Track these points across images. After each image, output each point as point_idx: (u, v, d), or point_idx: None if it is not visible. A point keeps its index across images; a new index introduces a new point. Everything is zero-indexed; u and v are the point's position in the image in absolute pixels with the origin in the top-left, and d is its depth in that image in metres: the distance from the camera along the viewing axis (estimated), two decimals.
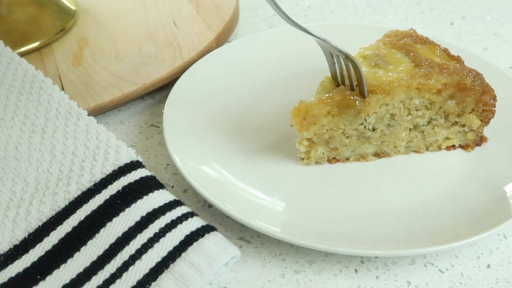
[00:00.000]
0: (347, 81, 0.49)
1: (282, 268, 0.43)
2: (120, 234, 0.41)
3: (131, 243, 0.40)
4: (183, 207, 0.43)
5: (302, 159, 0.50)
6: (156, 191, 0.43)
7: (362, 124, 0.49)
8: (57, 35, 0.64)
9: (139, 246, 0.40)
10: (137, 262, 0.39)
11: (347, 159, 0.51)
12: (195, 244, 0.40)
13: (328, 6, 0.79)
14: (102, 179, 0.44)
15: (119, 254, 0.40)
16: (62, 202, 0.43)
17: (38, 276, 0.39)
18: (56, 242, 0.41)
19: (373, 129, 0.50)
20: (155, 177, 0.45)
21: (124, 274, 0.39)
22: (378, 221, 0.45)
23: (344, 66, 0.48)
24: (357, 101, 0.48)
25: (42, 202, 0.42)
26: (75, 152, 0.46)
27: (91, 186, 0.43)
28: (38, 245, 0.40)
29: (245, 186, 0.47)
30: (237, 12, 0.71)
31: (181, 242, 0.40)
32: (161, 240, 0.40)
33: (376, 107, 0.48)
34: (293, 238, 0.42)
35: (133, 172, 0.44)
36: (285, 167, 0.50)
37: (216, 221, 0.46)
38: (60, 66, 0.59)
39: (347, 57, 0.47)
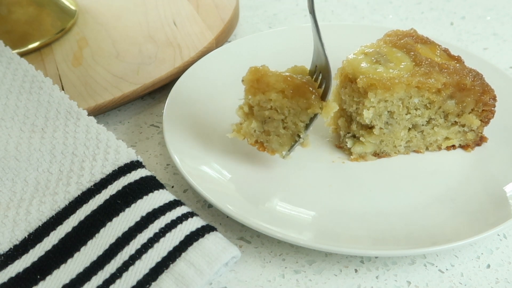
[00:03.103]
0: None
1: (282, 268, 0.43)
2: (120, 234, 0.41)
3: (131, 243, 0.40)
4: (183, 207, 0.43)
5: (233, 130, 0.48)
6: (156, 191, 0.43)
7: (304, 122, 0.47)
8: (57, 35, 0.64)
9: (139, 246, 0.40)
10: (137, 262, 0.39)
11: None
12: (195, 244, 0.40)
13: (328, 6, 0.79)
14: (102, 179, 0.44)
15: (119, 254, 0.40)
16: (62, 202, 0.43)
17: (38, 276, 0.39)
18: (56, 242, 0.41)
19: (372, 128, 0.49)
20: (155, 177, 0.45)
21: (124, 274, 0.39)
22: (378, 221, 0.45)
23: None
24: (313, 95, 0.46)
25: (42, 202, 0.42)
26: (75, 152, 0.46)
27: (91, 186, 0.43)
28: (38, 245, 0.40)
29: (245, 186, 0.47)
30: (237, 12, 0.71)
31: (181, 242, 0.40)
32: (161, 240, 0.40)
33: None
34: (293, 238, 0.42)
35: (133, 172, 0.44)
36: (285, 167, 0.50)
37: (216, 221, 0.46)
38: (60, 66, 0.59)
39: (326, 64, 0.47)
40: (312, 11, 0.46)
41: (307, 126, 0.48)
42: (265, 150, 0.48)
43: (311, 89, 0.46)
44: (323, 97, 0.47)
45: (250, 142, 0.48)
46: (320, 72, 0.48)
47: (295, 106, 0.46)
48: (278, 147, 0.48)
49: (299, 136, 0.48)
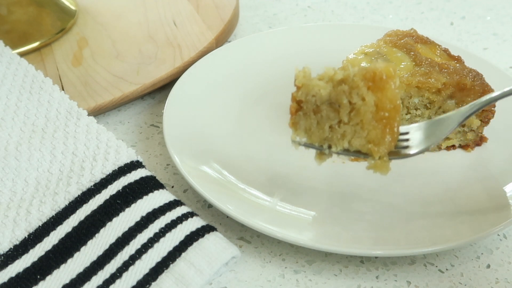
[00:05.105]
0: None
1: (282, 268, 0.43)
2: (120, 234, 0.41)
3: (131, 243, 0.40)
4: (183, 207, 0.43)
5: (304, 73, 0.41)
6: (156, 191, 0.43)
7: (350, 146, 0.40)
8: (57, 35, 0.64)
9: (139, 246, 0.40)
10: (137, 262, 0.39)
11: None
12: (195, 244, 0.40)
13: (328, 6, 0.79)
14: (102, 179, 0.44)
15: (119, 254, 0.40)
16: (62, 202, 0.43)
17: (38, 276, 0.39)
18: (56, 242, 0.41)
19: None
20: (155, 177, 0.45)
21: (124, 274, 0.39)
22: (378, 221, 0.45)
23: None
24: (389, 140, 0.39)
25: (42, 202, 0.42)
26: (75, 152, 0.46)
27: (91, 186, 0.43)
28: (38, 245, 0.41)
29: (245, 186, 0.47)
30: (237, 12, 0.71)
31: (181, 242, 0.40)
32: (161, 240, 0.40)
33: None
34: (293, 238, 0.42)
35: (133, 172, 0.44)
36: (285, 167, 0.50)
37: (216, 221, 0.46)
38: (60, 66, 0.59)
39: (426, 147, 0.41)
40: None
41: (346, 151, 0.41)
42: (293, 115, 0.41)
43: (395, 136, 0.39)
44: (390, 154, 0.40)
45: (295, 94, 0.41)
46: (408, 140, 0.41)
47: (367, 128, 0.39)
48: (301, 130, 0.41)
49: (329, 148, 0.41)
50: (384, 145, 0.39)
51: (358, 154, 0.40)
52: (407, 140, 0.42)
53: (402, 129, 0.42)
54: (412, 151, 0.41)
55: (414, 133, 0.42)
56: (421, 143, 0.42)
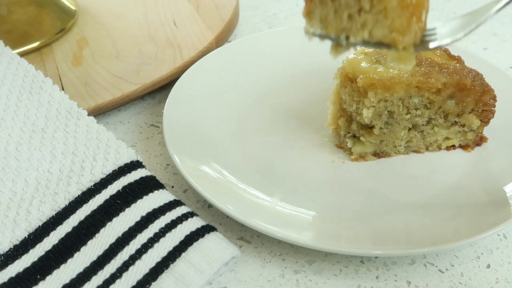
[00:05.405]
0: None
1: (282, 268, 0.43)
2: (120, 234, 0.41)
3: (131, 243, 0.40)
4: (183, 207, 0.43)
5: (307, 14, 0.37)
6: (156, 191, 0.43)
7: (371, 37, 0.36)
8: (57, 35, 0.64)
9: (139, 246, 0.40)
10: (137, 262, 0.39)
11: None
12: (195, 244, 0.40)
13: None
14: (102, 179, 0.44)
15: (119, 254, 0.40)
16: (62, 202, 0.43)
17: (38, 276, 0.39)
18: (56, 242, 0.41)
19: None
20: (155, 177, 0.45)
21: (124, 274, 0.39)
22: (378, 221, 0.45)
23: None
24: (415, 29, 0.35)
25: (42, 202, 0.42)
26: (75, 152, 0.46)
27: (91, 186, 0.43)
28: (38, 245, 0.40)
29: (245, 186, 0.47)
30: (237, 12, 0.71)
31: (181, 242, 0.40)
32: (161, 240, 0.40)
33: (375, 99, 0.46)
34: (293, 238, 0.42)
35: (133, 172, 0.44)
36: (285, 167, 0.50)
37: (216, 221, 0.46)
38: (60, 66, 0.59)
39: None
40: None
41: (365, 43, 0.36)
42: (308, 3, 0.37)
43: (422, 26, 0.35)
44: (416, 46, 0.36)
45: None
46: (435, 34, 0.37)
47: (391, 16, 0.35)
48: (316, 19, 0.37)
49: (346, 39, 0.37)
50: (409, 34, 0.35)
51: (380, 45, 0.36)
52: (434, 34, 0.38)
53: (428, 26, 0.38)
54: (440, 43, 0.37)
55: (441, 28, 0.38)
56: (449, 35, 0.37)
